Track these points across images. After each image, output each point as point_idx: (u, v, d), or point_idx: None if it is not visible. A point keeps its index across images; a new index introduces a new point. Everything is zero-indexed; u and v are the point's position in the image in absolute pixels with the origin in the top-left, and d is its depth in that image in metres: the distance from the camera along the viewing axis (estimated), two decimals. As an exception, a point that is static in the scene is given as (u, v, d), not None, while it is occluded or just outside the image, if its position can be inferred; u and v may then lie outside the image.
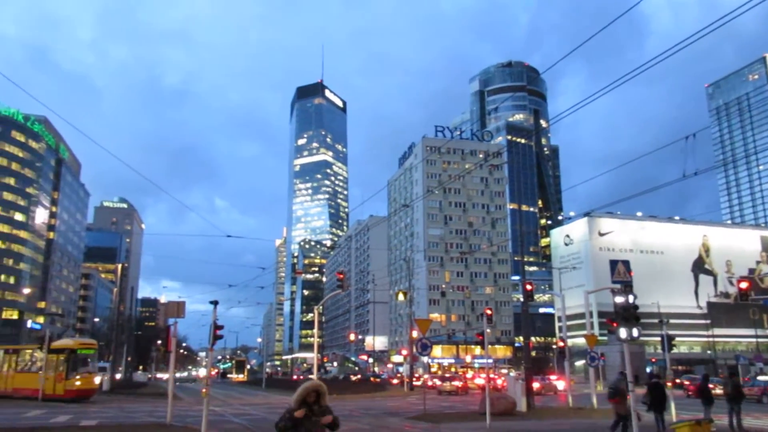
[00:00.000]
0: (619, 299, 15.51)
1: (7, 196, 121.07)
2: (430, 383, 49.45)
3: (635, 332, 15.19)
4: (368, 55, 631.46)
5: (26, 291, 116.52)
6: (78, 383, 32.88)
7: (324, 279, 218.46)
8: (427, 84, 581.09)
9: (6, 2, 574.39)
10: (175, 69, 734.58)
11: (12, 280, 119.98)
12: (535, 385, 47.79)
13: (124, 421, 22.30)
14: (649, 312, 74.15)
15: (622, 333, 15.20)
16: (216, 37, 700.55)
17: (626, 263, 17.37)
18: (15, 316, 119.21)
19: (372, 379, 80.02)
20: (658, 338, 30.27)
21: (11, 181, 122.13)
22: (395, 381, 76.27)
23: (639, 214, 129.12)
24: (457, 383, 51.80)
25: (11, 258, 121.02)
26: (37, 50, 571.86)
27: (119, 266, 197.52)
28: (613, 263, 17.13)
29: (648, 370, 66.07)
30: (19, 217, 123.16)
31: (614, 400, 17.24)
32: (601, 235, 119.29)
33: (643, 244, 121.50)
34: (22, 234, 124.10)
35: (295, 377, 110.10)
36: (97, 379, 37.49)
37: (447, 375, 63.15)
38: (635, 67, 13.15)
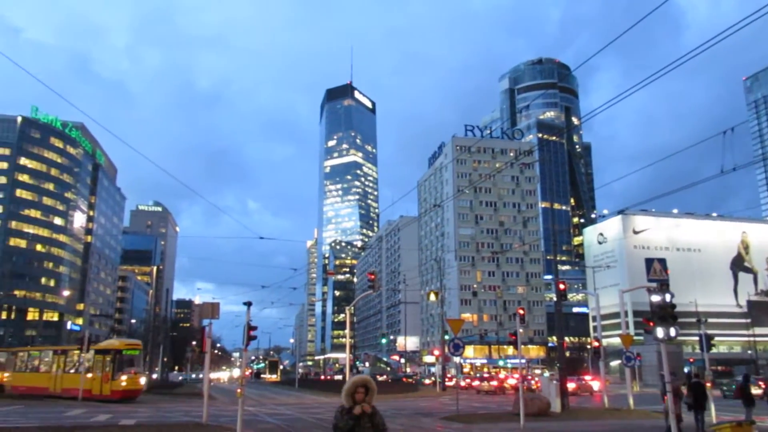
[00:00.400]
0: (656, 298, 15.22)
1: (47, 201, 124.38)
2: (464, 383, 50.45)
3: (672, 332, 14.89)
4: (399, 54, 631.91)
5: (66, 293, 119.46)
6: (124, 384, 32.94)
7: (355, 279, 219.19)
8: (459, 83, 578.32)
9: (48, 12, 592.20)
10: (208, 73, 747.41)
11: (52, 283, 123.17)
12: (570, 386, 47.34)
13: (161, 421, 22.69)
14: (686, 311, 72.59)
15: (659, 332, 14.91)
16: (248, 41, 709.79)
17: (662, 261, 17.02)
18: (55, 318, 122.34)
19: (404, 379, 79.96)
20: (696, 338, 29.61)
21: (50, 186, 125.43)
22: (428, 381, 76.10)
23: (675, 211, 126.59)
24: (495, 383, 53.72)
25: (51, 261, 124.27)
26: (76, 58, 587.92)
27: (154, 268, 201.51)
28: (649, 261, 16.79)
29: (686, 370, 64.69)
30: (58, 221, 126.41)
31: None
32: (636, 233, 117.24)
33: (679, 242, 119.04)
34: (62, 238, 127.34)
35: (322, 377, 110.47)
36: (143, 380, 37.52)
37: (485, 375, 64.29)
38: (671, 60, 12.83)
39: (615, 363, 78.86)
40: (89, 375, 33.85)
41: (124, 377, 32.97)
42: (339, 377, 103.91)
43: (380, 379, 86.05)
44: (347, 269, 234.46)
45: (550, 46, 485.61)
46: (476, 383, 56.96)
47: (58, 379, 36.33)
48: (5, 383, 40.34)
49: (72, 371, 36.14)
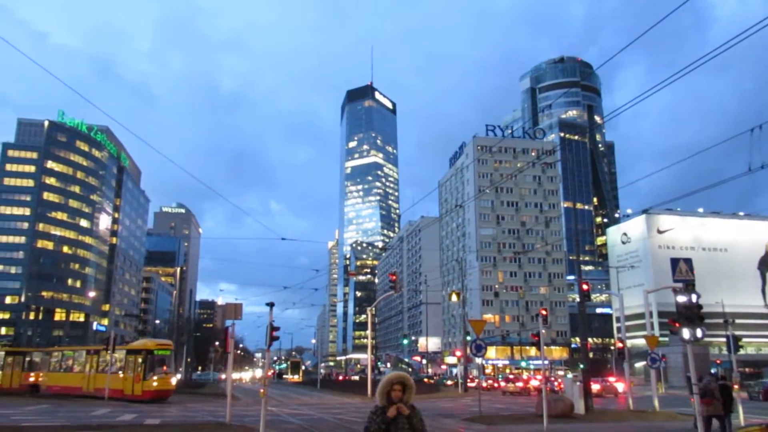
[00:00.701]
0: (682, 298, 15.00)
1: (73, 203, 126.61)
2: (485, 384, 50.16)
3: (699, 333, 14.66)
4: (420, 54, 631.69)
5: (92, 294, 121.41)
6: (155, 384, 32.83)
7: (376, 280, 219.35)
8: (480, 82, 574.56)
9: (73, 17, 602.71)
10: (230, 76, 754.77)
11: (78, 284, 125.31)
12: (594, 387, 46.94)
13: (185, 420, 22.93)
14: (712, 312, 71.41)
15: (685, 333, 14.69)
16: (270, 43, 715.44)
17: (688, 261, 16.78)
18: (82, 319, 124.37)
19: (425, 380, 79.81)
20: (723, 339, 29.06)
21: (76, 189, 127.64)
22: (449, 382, 75.88)
23: (700, 210, 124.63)
24: (521, 384, 54.66)
25: (77, 263, 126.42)
26: (101, 61, 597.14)
27: (178, 270, 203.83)
28: (675, 261, 16.56)
29: (713, 371, 63.64)
30: (84, 223, 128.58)
31: (706, 401, 16.71)
32: (660, 232, 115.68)
33: (705, 242, 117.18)
34: (87, 240, 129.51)
35: (341, 377, 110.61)
36: (174, 380, 37.40)
37: (511, 376, 65.39)
38: (698, 56, 12.60)
39: (639, 364, 78.00)
40: (121, 375, 34.01)
41: (155, 377, 32.89)
42: (356, 378, 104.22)
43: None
44: (368, 270, 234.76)
45: (574, 43, 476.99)
46: (503, 384, 58.40)
47: (90, 379, 36.58)
48: (40, 383, 40.75)
49: (106, 371, 36.29)
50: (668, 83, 13.52)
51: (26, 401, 33.94)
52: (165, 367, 34.43)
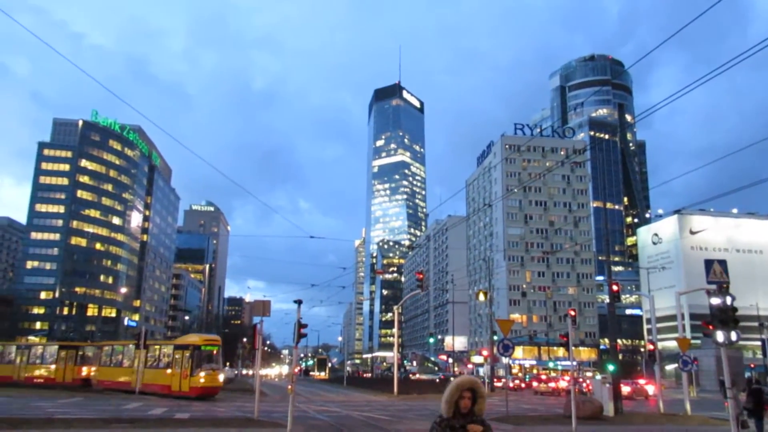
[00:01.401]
0: (716, 301, 14.70)
1: (106, 201, 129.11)
2: (512, 384, 49.71)
3: (734, 336, 14.37)
4: (451, 51, 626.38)
5: (123, 290, 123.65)
6: (202, 380, 31.58)
7: (403, 279, 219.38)
8: (512, 80, 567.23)
9: (108, 17, 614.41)
10: (262, 74, 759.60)
11: (110, 280, 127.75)
12: (625, 390, 46.42)
13: (214, 415, 23.22)
14: (747, 315, 69.85)
15: (719, 336, 14.40)
16: (302, 40, 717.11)
17: (722, 263, 16.44)
18: (113, 314, 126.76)
19: (452, 378, 79.57)
20: (758, 342, 28.37)
21: (109, 187, 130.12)
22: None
23: (734, 210, 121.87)
24: (553, 384, 55.32)
25: (110, 259, 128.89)
26: (135, 61, 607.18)
27: (207, 267, 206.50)
28: (708, 263, 16.24)
29: (746, 375, 62.28)
30: (116, 221, 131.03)
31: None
32: (693, 233, 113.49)
33: (739, 243, 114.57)
34: (119, 237, 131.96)
35: (364, 374, 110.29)
36: (222, 377, 35.69)
37: (542, 377, 66.35)
38: (737, 53, 12.28)
39: (670, 367, 76.67)
40: (169, 371, 33.08)
41: (202, 374, 31.70)
42: (367, 374, 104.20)
43: (424, 378, 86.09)
44: (395, 268, 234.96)
45: (608, 40, 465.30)
46: (534, 384, 60.07)
47: (138, 374, 35.65)
48: (92, 378, 40.57)
49: (153, 366, 35.35)
50: (704, 81, 13.24)
51: (57, 394, 34.67)
52: (213, 363, 33.05)
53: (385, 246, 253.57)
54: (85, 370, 41.44)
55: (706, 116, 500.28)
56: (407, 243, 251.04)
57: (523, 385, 67.44)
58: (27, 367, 43.54)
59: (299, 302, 18.78)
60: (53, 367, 42.22)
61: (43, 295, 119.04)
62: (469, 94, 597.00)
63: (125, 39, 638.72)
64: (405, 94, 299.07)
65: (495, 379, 58.98)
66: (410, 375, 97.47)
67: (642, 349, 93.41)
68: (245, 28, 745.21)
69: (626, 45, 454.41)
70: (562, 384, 51.77)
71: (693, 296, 58.55)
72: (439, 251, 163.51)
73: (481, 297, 63.89)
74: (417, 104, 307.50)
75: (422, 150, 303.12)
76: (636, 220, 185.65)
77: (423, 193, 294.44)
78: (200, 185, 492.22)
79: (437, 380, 75.98)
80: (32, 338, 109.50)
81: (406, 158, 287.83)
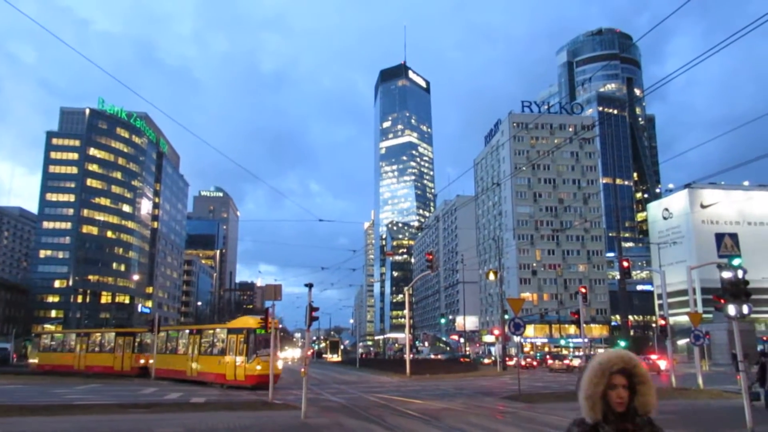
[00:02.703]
0: (727, 274, 14.65)
1: (115, 189, 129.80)
2: (524, 363, 50.37)
3: (745, 309, 14.33)
4: (461, 27, 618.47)
5: (135, 277, 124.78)
6: (259, 368, 28.06)
7: (412, 260, 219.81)
8: (525, 55, 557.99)
9: (114, 2, 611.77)
10: (272, 56, 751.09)
11: (123, 268, 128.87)
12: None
13: (230, 399, 23.51)
14: (759, 287, 69.55)
15: (731, 310, 14.37)
16: (311, 21, 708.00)
17: (734, 236, 16.34)
18: (127, 301, 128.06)
19: (462, 359, 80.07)
20: (771, 315, 28.36)
21: (118, 175, 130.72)
22: (486, 361, 76.02)
23: (746, 183, 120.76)
24: (567, 361, 56.82)
25: (121, 247, 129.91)
26: (143, 46, 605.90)
27: (218, 252, 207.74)
28: (719, 237, 16.17)
29: (759, 348, 62.21)
30: (126, 208, 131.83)
31: None
32: (704, 207, 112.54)
33: (751, 216, 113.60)
34: (130, 224, 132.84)
35: (363, 354, 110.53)
36: (280, 363, 32.63)
37: (557, 354, 69.58)
38: (757, 18, 12.02)
39: (682, 342, 76.56)
40: (225, 358, 29.85)
41: (259, 360, 28.41)
42: (376, 356, 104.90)
43: (433, 357, 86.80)
44: (404, 250, 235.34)
45: (623, 11, 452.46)
46: (549, 362, 61.91)
47: (192, 361, 33.16)
48: (149, 366, 37.41)
49: (207, 353, 32.32)
50: (718, 49, 12.88)
51: (74, 381, 35.14)
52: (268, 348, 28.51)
53: (395, 228, 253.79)
54: (144, 358, 38.92)
55: (723, 86, 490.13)
56: (416, 224, 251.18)
57: (534, 363, 67.85)
58: (87, 356, 42.17)
59: (310, 286, 18.90)
60: (111, 355, 40.57)
61: (57, 284, 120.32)
62: (478, 72, 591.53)
63: (131, 24, 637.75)
64: (411, 74, 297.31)
65: (506, 358, 59.27)
66: (432, 356, 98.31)
67: (653, 325, 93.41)
68: (254, 8, 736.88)
69: (642, 15, 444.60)
70: (576, 362, 52.34)
71: (704, 270, 58.31)
72: (448, 231, 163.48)
73: (492, 276, 64.01)
74: (423, 84, 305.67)
75: (429, 130, 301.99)
76: (646, 196, 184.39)
77: (431, 173, 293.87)
78: (210, 170, 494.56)
79: (454, 360, 76.81)
80: (48, 326, 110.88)
81: (414, 139, 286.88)
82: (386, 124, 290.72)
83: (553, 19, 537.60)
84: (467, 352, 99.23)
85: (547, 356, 71.01)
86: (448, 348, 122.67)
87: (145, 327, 43.97)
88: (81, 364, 41.64)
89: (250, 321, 30.89)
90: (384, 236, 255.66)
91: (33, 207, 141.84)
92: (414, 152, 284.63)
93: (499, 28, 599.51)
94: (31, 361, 50.54)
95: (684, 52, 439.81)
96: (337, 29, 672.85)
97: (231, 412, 18.00)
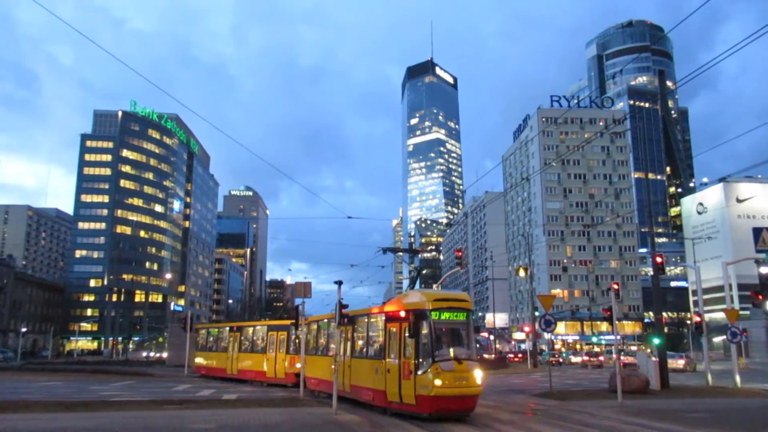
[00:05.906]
0: (765, 270, 14.29)
1: (148, 189, 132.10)
2: (552, 360, 49.87)
3: (784, 305, 13.95)
4: (494, 21, 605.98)
5: (168, 276, 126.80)
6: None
7: (441, 257, 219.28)
8: (560, 48, 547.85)
9: (149, 0, 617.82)
10: (308, 50, 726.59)
11: (156, 267, 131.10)
12: (679, 363, 46.23)
13: (260, 396, 23.75)
14: (798, 283, 67.73)
15: (769, 306, 14.01)
16: (349, 13, 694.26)
17: (772, 231, 15.93)
18: (160, 300, 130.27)
19: (485, 356, 79.62)
20: (811, 312, 27.60)
21: (150, 175, 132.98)
22: (514, 357, 75.46)
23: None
24: (602, 358, 59.31)
25: (154, 246, 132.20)
26: (178, 44, 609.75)
27: (248, 251, 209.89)
28: (757, 231, 15.76)
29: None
30: (158, 208, 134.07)
31: None
32: (740, 201, 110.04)
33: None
34: (162, 224, 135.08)
35: None
36: None
37: (593, 351, 71.68)
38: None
39: (718, 339, 75.10)
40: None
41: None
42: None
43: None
44: (433, 247, 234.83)
45: (656, 1, 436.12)
46: (585, 358, 63.66)
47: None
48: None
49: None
50: (759, 35, 12.41)
51: (108, 378, 35.83)
52: None
53: (423, 225, 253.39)
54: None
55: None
56: (444, 221, 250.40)
57: (561, 360, 67.48)
58: (239, 356, 32.74)
59: (339, 283, 18.97)
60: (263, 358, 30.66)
61: (92, 283, 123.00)
62: (509, 66, 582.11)
63: (167, 22, 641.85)
64: (438, 71, 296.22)
65: (537, 356, 58.94)
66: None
67: (688, 322, 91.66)
68: (290, 2, 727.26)
69: (681, 5, 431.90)
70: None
71: (741, 266, 57.06)
72: (477, 228, 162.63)
73: (522, 273, 63.50)
74: (450, 80, 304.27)
75: (457, 126, 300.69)
76: (680, 190, 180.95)
77: (459, 170, 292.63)
78: (245, 167, 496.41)
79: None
80: (84, 325, 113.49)
81: (441, 136, 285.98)
82: (414, 121, 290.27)
83: (584, 12, 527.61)
84: (498, 350, 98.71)
85: (574, 354, 72.90)
86: (477, 345, 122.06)
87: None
88: (234, 369, 32.97)
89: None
90: (413, 233, 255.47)
91: (69, 208, 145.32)
92: (442, 149, 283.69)
93: (533, 21, 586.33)
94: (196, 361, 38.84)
95: (736, 39, 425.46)
96: (372, 21, 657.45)
97: (262, 409, 18.17)
